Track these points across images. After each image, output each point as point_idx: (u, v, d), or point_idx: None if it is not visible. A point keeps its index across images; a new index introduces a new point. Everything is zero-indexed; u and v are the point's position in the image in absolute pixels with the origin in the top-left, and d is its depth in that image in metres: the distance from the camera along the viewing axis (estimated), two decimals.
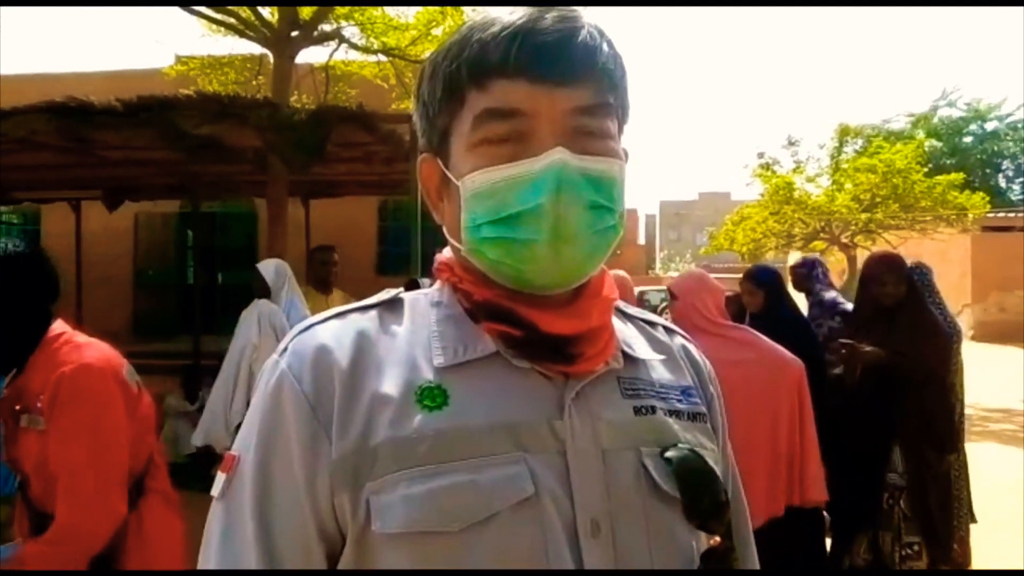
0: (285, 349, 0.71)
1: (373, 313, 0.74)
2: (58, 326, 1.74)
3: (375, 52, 9.94)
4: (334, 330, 0.71)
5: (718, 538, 0.71)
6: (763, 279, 3.58)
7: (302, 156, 4.85)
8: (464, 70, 0.68)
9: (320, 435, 0.65)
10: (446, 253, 0.78)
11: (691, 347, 0.86)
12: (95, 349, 1.71)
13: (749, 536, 0.86)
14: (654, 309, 18.24)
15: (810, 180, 13.82)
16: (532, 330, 0.70)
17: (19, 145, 5.32)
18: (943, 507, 2.89)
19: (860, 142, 14.97)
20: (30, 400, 1.62)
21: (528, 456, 0.66)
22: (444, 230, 0.76)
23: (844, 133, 14.85)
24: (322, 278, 4.81)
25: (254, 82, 10.17)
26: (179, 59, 11.28)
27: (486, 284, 0.72)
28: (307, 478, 0.65)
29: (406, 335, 0.72)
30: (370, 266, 10.92)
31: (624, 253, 36.70)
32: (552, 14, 0.67)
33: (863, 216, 12.16)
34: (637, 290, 19.87)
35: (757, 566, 0.86)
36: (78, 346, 1.69)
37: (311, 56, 9.82)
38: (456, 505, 0.63)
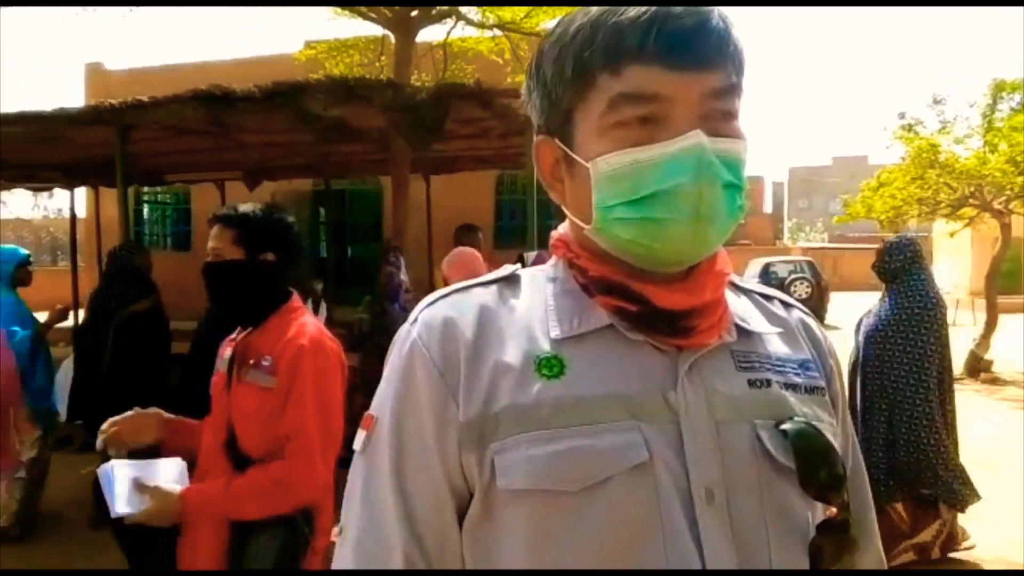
0: (415, 319, 0.76)
1: (493, 288, 0.78)
2: (297, 299, 1.93)
3: (491, 27, 10.01)
4: (458, 303, 0.76)
5: (834, 509, 0.71)
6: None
7: (423, 134, 5.00)
8: (598, 54, 0.69)
9: (448, 399, 0.71)
10: (561, 229, 0.81)
11: (810, 320, 0.86)
12: (324, 329, 1.89)
13: (869, 510, 0.85)
14: (781, 282, 17.39)
15: (958, 141, 12.63)
16: (646, 304, 0.72)
17: (171, 131, 5.81)
18: None
19: (1017, 98, 13.50)
20: (256, 357, 1.78)
21: (642, 425, 0.68)
22: (564, 208, 0.78)
23: (999, 89, 13.41)
24: None
25: (377, 63, 10.52)
26: (308, 44, 11.84)
27: (602, 260, 0.75)
28: (437, 437, 0.71)
29: (524, 308, 0.75)
30: (487, 239, 11.12)
31: (749, 223, 35.21)
32: (679, 4, 0.68)
33: (1020, 180, 11.02)
34: (762, 261, 18.97)
35: (878, 540, 0.85)
36: (313, 324, 1.87)
37: (429, 35, 10.04)
38: (575, 467, 0.66)
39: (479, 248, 5.14)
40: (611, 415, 0.68)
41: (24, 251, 4.38)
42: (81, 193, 10.04)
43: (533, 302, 0.76)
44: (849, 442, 0.84)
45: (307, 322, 1.87)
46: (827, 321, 16.35)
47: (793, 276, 16.80)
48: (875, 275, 3.22)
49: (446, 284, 3.23)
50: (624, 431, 0.68)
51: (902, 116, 12.79)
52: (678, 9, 0.67)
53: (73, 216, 9.52)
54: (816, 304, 16.38)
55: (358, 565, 0.72)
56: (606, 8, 0.70)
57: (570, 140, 0.74)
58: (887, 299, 3.14)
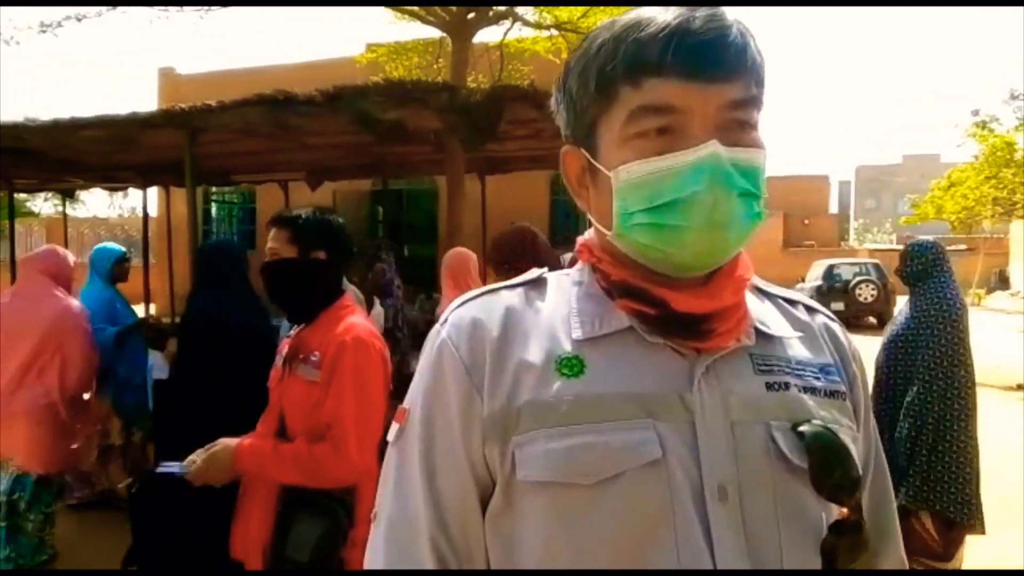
0: (446, 320, 0.81)
1: (520, 290, 0.82)
2: (349, 297, 2.05)
3: (547, 27, 10.04)
4: (486, 304, 0.80)
5: (846, 510, 0.73)
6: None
7: (477, 135, 5.08)
8: (620, 68, 0.72)
9: (473, 395, 0.75)
10: (587, 235, 0.85)
11: (834, 326, 0.87)
12: (370, 328, 2.00)
13: (892, 516, 0.86)
14: (845, 285, 16.79)
15: None
16: (664, 308, 0.74)
17: (237, 134, 6.05)
18: None
19: None
20: (306, 352, 1.91)
21: (657, 423, 0.71)
22: (588, 215, 0.82)
23: None
24: None
25: (435, 65, 10.68)
26: (369, 47, 12.10)
27: (623, 265, 0.78)
28: (463, 430, 0.75)
29: (548, 310, 0.79)
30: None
31: (812, 223, 34.15)
32: (702, 13, 0.71)
33: None
34: (826, 263, 18.36)
35: (900, 547, 0.86)
36: (360, 322, 1.98)
37: (486, 36, 10.13)
38: (589, 461, 0.70)
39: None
40: (627, 413, 0.71)
41: (120, 248, 4.62)
42: (153, 193, 10.49)
43: (557, 304, 0.80)
44: (872, 447, 0.85)
45: (355, 320, 1.96)
46: None
47: (858, 278, 16.21)
48: (898, 279, 3.18)
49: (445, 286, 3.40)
50: (638, 429, 0.70)
51: (976, 113, 12.29)
52: (698, 23, 0.70)
53: (146, 215, 9.97)
54: (882, 307, 15.82)
55: (388, 548, 0.77)
56: (629, 23, 0.73)
57: (594, 150, 0.77)
58: (908, 304, 3.08)
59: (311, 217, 1.98)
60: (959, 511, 2.81)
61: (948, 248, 3.32)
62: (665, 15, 0.71)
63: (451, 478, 0.76)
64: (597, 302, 0.79)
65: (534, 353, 0.75)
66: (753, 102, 0.73)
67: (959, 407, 2.86)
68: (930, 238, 3.20)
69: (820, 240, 30.35)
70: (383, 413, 1.89)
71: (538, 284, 0.83)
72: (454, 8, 8.96)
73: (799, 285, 15.46)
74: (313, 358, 1.87)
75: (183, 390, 2.88)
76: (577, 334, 0.76)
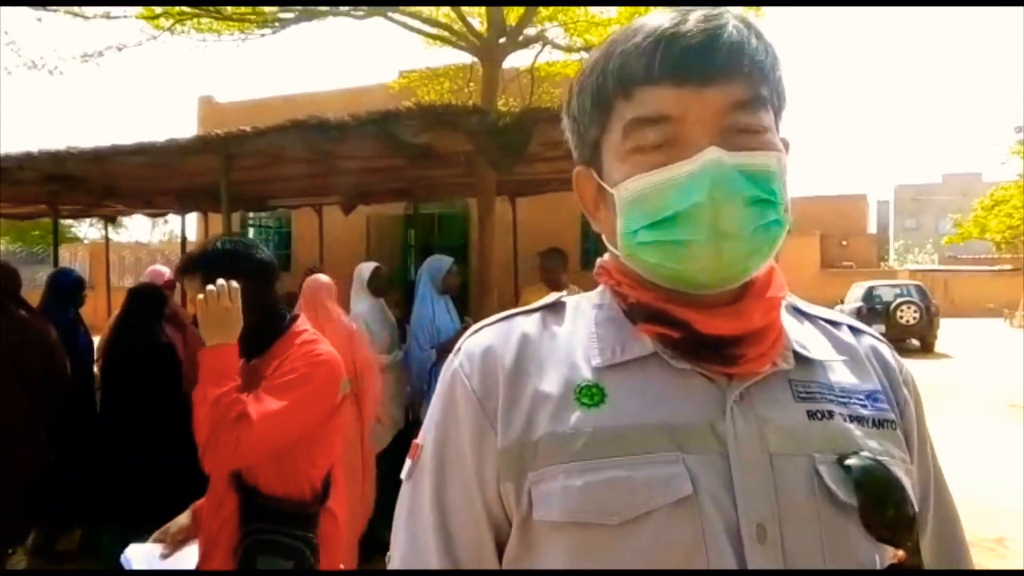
0: (459, 349, 0.77)
1: (536, 316, 0.78)
2: (301, 323, 1.94)
3: (578, 51, 10.08)
4: (500, 332, 0.76)
5: (902, 553, 0.66)
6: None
7: (507, 158, 5.08)
8: (610, 82, 0.70)
9: (487, 428, 0.71)
10: (607, 257, 0.80)
11: (882, 347, 0.81)
12: (331, 350, 1.89)
13: (961, 555, 0.79)
14: (886, 307, 16.41)
15: None
16: (688, 330, 0.69)
17: (272, 159, 6.14)
18: None
19: None
20: (260, 382, 1.79)
21: (686, 456, 0.65)
22: (603, 237, 0.78)
23: None
24: (554, 279, 5.17)
25: (466, 89, 10.78)
26: (401, 73, 12.29)
27: (643, 286, 0.74)
28: (476, 466, 0.71)
29: (566, 336, 0.75)
30: (575, 261, 11.10)
31: (851, 244, 33.52)
32: (695, 15, 0.67)
33: None
34: (867, 285, 18.02)
35: None
36: (322, 345, 1.88)
37: (517, 60, 10.20)
38: (612, 499, 0.64)
39: (564, 272, 5.19)
40: (652, 446, 0.66)
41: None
42: (192, 218, 10.70)
43: (576, 329, 0.75)
44: (930, 479, 0.78)
45: (314, 339, 1.87)
46: (937, 349, 15.32)
47: (899, 300, 15.81)
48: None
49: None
50: (666, 463, 0.65)
51: (1020, 130, 12.00)
52: (687, 26, 0.66)
53: (184, 240, 10.16)
54: (925, 330, 15.40)
55: None
56: (619, 35, 0.71)
57: (600, 169, 0.74)
58: None
59: (215, 251, 1.86)
60: None
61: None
62: (657, 21, 0.68)
63: (464, 518, 0.71)
64: (618, 326, 0.74)
65: (551, 382, 0.71)
66: (759, 102, 0.68)
67: None
68: None
69: (859, 261, 29.77)
70: (324, 433, 1.83)
71: (556, 308, 0.79)
72: (484, 33, 9.05)
73: (838, 307, 15.21)
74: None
75: None
76: (597, 361, 0.71)
